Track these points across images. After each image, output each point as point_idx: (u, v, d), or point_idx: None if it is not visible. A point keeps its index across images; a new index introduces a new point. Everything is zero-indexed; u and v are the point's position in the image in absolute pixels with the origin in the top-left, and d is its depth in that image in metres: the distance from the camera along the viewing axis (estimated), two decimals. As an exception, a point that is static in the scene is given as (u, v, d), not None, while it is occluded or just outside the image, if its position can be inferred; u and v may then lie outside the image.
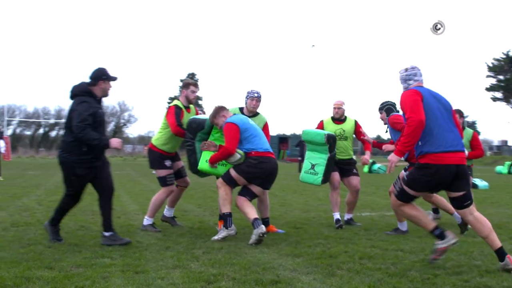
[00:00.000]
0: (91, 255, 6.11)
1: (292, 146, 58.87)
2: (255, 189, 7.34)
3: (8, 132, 71.10)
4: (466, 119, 75.13)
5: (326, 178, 8.40)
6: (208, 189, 16.01)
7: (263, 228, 6.92)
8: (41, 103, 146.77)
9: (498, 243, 5.56)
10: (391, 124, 8.04)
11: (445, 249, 5.81)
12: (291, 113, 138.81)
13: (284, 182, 20.26)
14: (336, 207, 8.90)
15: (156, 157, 8.17)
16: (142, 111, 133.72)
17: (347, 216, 9.16)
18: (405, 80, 6.00)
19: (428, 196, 7.74)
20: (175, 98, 8.48)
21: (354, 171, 9.08)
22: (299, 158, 31.70)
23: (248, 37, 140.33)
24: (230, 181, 7.29)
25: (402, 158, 7.07)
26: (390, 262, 5.99)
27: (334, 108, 9.09)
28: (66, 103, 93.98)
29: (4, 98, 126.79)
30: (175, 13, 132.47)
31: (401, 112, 6.71)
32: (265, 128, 8.18)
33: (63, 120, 75.70)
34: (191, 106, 8.39)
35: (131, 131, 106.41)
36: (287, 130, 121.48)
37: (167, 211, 8.68)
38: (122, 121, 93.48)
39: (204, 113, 8.48)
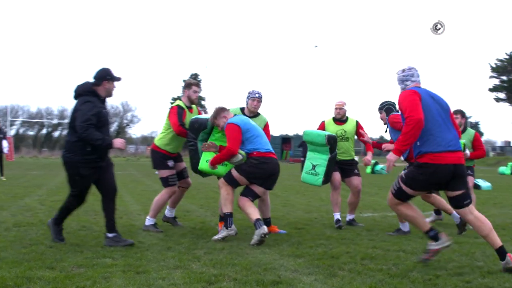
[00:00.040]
0: (92, 255, 6.11)
1: (295, 146, 58.82)
2: (258, 189, 7.34)
3: (11, 132, 71.22)
4: (469, 120, 75.32)
5: (327, 179, 8.39)
6: (210, 190, 16.01)
7: (265, 228, 6.91)
8: (44, 104, 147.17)
9: (498, 242, 5.57)
10: (391, 123, 8.04)
11: (438, 250, 5.87)
12: (294, 114, 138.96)
13: (287, 183, 20.26)
14: (337, 207, 8.90)
15: (159, 158, 8.18)
16: (145, 112, 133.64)
17: (349, 217, 9.16)
18: (402, 81, 6.04)
19: (426, 196, 7.75)
20: (178, 98, 8.47)
21: (356, 171, 9.07)
22: (302, 159, 31.62)
23: (251, 38, 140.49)
24: (231, 181, 7.30)
25: (402, 158, 7.08)
26: (391, 263, 5.98)
27: (336, 108, 9.09)
28: (69, 104, 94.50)
29: (7, 98, 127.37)
30: (178, 14, 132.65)
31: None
32: (266, 128, 8.18)
33: (66, 121, 76.06)
34: (193, 106, 8.40)
35: (134, 131, 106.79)
36: (290, 130, 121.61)
37: (168, 212, 8.68)
38: (125, 121, 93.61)
39: (206, 112, 8.48)
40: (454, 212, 7.93)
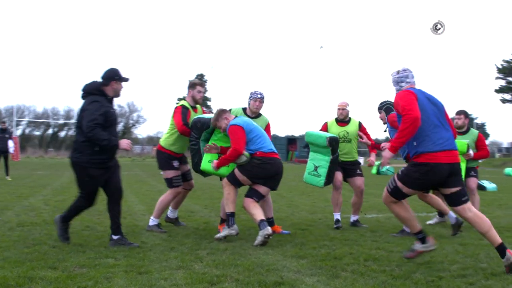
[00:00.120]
0: (95, 255, 6.11)
1: (300, 147, 58.82)
2: (262, 189, 7.34)
3: (17, 132, 71.44)
4: (476, 121, 75.13)
5: (329, 180, 8.36)
6: (215, 190, 16.00)
7: (269, 229, 6.91)
8: (51, 104, 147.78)
9: (498, 239, 5.57)
10: (390, 123, 8.03)
11: (422, 252, 6.04)
12: (300, 114, 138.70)
13: (292, 184, 20.24)
14: (337, 207, 8.91)
15: (164, 158, 8.19)
16: (151, 112, 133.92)
17: (353, 218, 9.13)
18: (397, 82, 6.15)
19: (423, 195, 7.73)
20: (183, 98, 8.49)
21: (358, 171, 9.05)
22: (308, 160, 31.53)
23: (257, 39, 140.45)
24: (234, 181, 7.30)
25: (402, 158, 7.07)
26: (395, 264, 5.96)
27: (339, 109, 9.06)
28: (75, 104, 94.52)
29: (13, 99, 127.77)
30: (184, 14, 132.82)
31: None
32: (267, 129, 8.19)
33: (72, 121, 76.37)
34: (198, 106, 8.41)
35: (140, 131, 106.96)
36: (296, 131, 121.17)
37: (170, 213, 8.69)
38: (131, 121, 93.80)
39: (210, 112, 8.48)
40: (450, 213, 7.91)
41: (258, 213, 7.12)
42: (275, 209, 10.39)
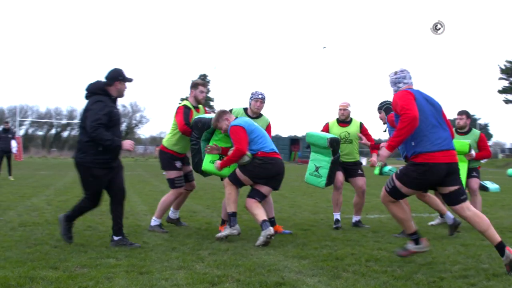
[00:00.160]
0: (96, 255, 6.12)
1: (303, 147, 58.77)
2: (264, 189, 7.35)
3: (20, 132, 71.55)
4: (478, 122, 74.99)
5: (330, 181, 8.35)
6: (218, 191, 15.97)
7: (271, 230, 6.91)
8: (54, 104, 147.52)
9: (497, 238, 5.58)
10: (390, 122, 8.03)
11: (414, 252, 6.11)
12: (302, 115, 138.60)
13: (295, 184, 20.24)
14: (337, 207, 8.92)
15: (167, 158, 8.20)
16: (153, 112, 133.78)
17: (355, 218, 9.12)
18: (395, 83, 6.20)
19: (421, 195, 7.73)
20: (186, 99, 8.50)
21: (360, 171, 9.05)
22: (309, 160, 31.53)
23: (260, 39, 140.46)
24: (236, 181, 7.31)
25: (402, 158, 7.07)
26: (396, 264, 5.95)
27: (340, 109, 9.06)
28: (78, 104, 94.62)
29: (16, 99, 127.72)
30: (187, 15, 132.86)
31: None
32: (268, 129, 8.21)
33: (75, 121, 76.38)
34: (200, 106, 8.41)
35: (143, 132, 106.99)
36: (299, 131, 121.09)
37: (172, 213, 8.69)
38: (134, 121, 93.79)
39: (213, 112, 8.49)
40: (448, 213, 7.92)
41: (261, 214, 7.13)
42: (277, 209, 10.40)
